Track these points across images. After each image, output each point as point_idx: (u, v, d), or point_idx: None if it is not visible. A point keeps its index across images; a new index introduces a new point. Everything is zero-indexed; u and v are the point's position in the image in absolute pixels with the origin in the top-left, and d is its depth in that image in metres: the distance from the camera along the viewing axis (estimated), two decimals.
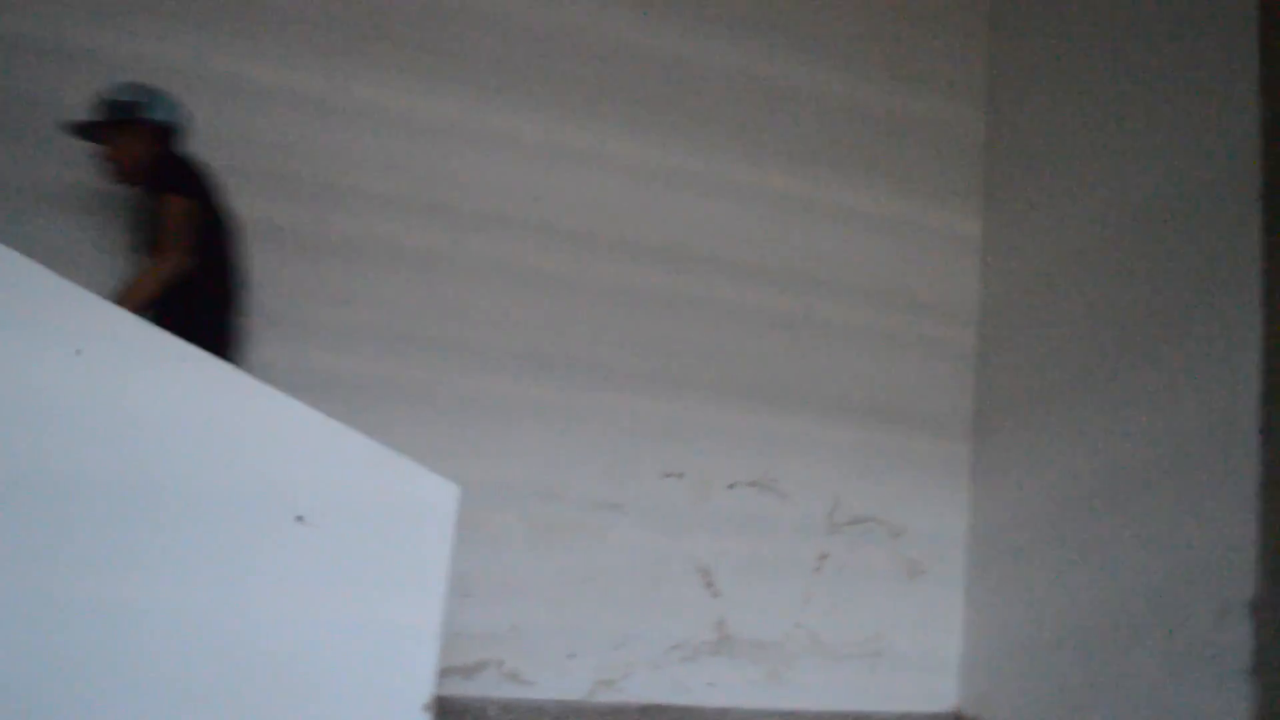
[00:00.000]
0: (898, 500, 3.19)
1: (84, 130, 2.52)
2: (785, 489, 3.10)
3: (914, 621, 3.15)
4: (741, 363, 3.11)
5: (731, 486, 3.06)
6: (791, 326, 3.17)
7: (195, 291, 2.43)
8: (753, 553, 3.05)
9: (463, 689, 2.71)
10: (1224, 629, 2.28)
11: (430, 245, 2.91)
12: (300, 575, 1.69)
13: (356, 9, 2.93)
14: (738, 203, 3.18)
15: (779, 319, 3.17)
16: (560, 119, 3.05)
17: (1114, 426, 2.71)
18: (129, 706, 1.60)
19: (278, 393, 1.73)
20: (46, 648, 1.56)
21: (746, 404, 3.10)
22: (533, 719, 2.73)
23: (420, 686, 1.75)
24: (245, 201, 2.62)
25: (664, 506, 2.99)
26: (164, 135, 2.54)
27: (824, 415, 3.16)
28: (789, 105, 3.27)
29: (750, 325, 3.14)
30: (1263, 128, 2.43)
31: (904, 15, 3.44)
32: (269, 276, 2.69)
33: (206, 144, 2.61)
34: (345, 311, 2.81)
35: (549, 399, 2.94)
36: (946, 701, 3.12)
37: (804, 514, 3.11)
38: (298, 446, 1.74)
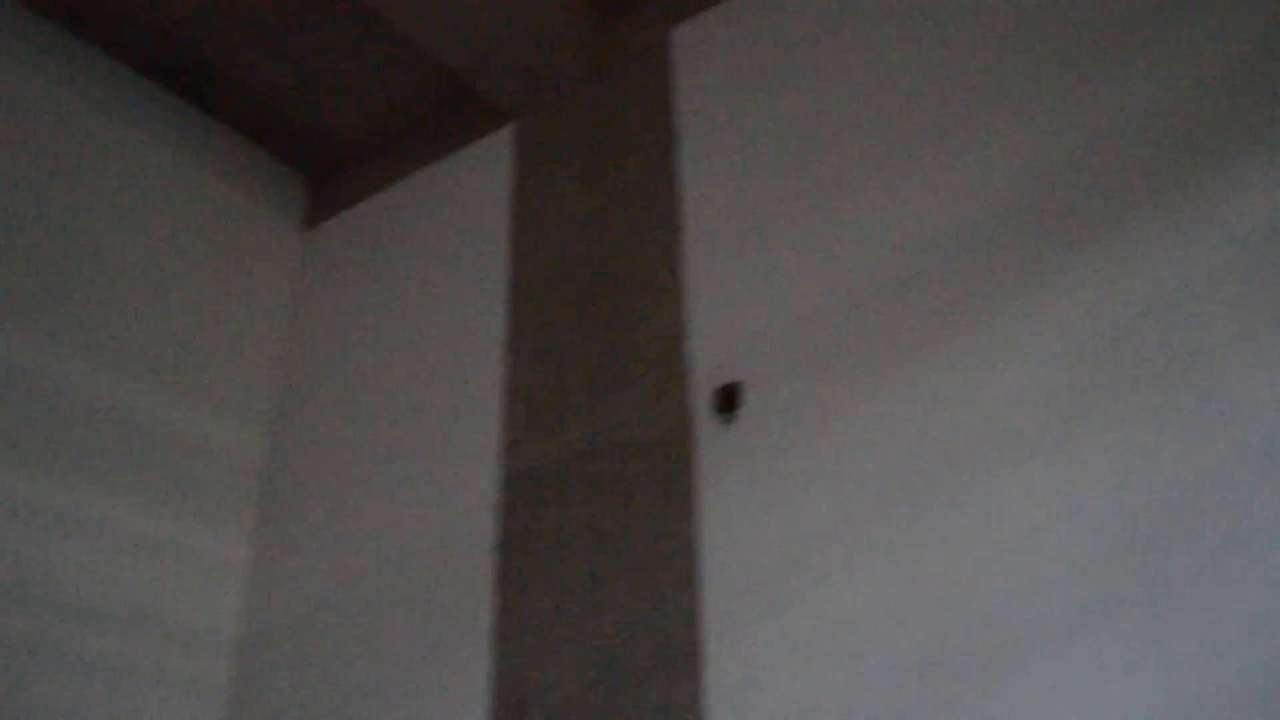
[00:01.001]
0: None
1: None
2: None
3: None
4: None
5: None
6: (22, 654, 2.68)
7: None
8: None
9: None
10: None
11: None
12: None
13: None
14: None
15: (4, 646, 2.67)
16: None
17: None
18: None
19: None
20: None
21: None
22: None
23: None
24: None
25: None
26: None
27: None
28: (59, 410, 2.97)
29: None
30: (500, 484, 2.74)
31: (194, 332, 3.35)
32: None
33: None
34: None
35: None
36: None
37: None
38: None
